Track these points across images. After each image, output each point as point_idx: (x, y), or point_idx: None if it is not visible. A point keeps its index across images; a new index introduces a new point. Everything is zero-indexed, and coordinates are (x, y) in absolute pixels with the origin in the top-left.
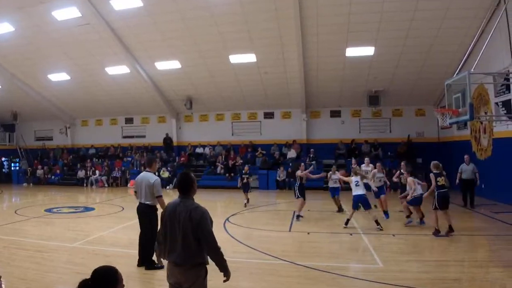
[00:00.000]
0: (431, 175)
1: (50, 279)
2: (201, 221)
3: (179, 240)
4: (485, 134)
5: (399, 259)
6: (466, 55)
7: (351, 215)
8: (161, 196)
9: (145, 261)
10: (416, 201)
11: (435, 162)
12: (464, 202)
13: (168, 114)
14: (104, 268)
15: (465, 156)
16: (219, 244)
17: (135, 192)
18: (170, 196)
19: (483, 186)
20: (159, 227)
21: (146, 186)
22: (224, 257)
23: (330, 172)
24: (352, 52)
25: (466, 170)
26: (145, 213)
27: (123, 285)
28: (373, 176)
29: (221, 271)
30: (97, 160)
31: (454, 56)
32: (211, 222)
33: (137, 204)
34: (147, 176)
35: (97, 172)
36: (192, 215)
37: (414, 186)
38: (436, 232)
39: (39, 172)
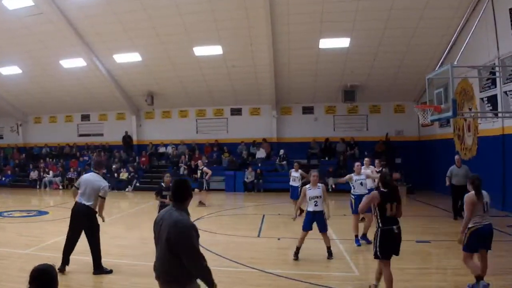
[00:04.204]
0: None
1: None
2: (179, 237)
3: (158, 251)
4: (469, 132)
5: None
6: (449, 47)
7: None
8: (104, 198)
9: (95, 266)
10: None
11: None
12: (455, 212)
13: (128, 111)
14: (42, 267)
15: (456, 157)
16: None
17: (76, 188)
18: (130, 198)
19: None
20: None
21: (91, 188)
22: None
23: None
24: (326, 43)
25: (457, 173)
26: (86, 215)
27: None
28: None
29: (207, 286)
30: (51, 160)
31: (436, 49)
32: (197, 236)
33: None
34: (96, 178)
35: (51, 173)
36: (171, 228)
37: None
38: None
39: None
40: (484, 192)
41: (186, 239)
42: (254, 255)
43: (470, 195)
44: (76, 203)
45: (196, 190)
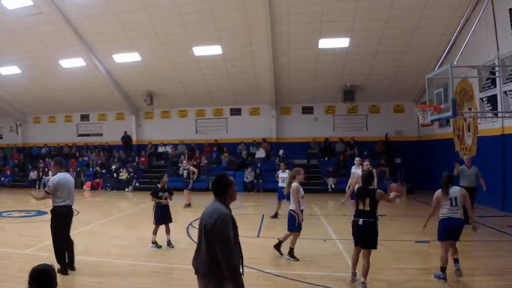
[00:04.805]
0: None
1: None
2: (215, 225)
3: (197, 244)
4: (469, 132)
5: (376, 267)
6: (449, 47)
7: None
8: None
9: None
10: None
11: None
12: (464, 216)
13: (127, 111)
14: (42, 267)
15: (465, 157)
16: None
17: (47, 193)
18: (129, 198)
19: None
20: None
21: (72, 186)
22: (240, 271)
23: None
24: (326, 43)
25: (468, 174)
26: (71, 215)
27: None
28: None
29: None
30: (50, 160)
31: (435, 48)
32: (235, 228)
33: (67, 207)
34: (71, 177)
35: (50, 173)
36: (207, 218)
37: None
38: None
39: None
40: (455, 189)
41: (221, 226)
42: (254, 255)
43: (438, 191)
44: (65, 206)
45: (186, 191)
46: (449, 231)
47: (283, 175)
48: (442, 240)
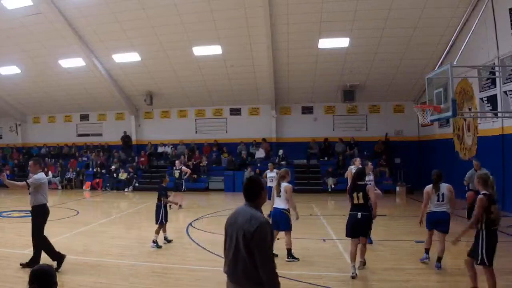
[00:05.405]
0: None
1: None
2: (256, 233)
3: (231, 253)
4: (469, 132)
5: (376, 267)
6: (449, 47)
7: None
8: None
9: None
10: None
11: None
12: (469, 214)
13: (127, 111)
14: (42, 267)
15: (474, 162)
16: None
17: (28, 186)
18: (129, 198)
19: (466, 188)
20: None
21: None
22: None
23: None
24: (325, 43)
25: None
26: None
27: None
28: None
29: None
30: (49, 160)
31: (435, 48)
32: (272, 237)
33: (48, 205)
34: None
35: (50, 173)
36: (246, 225)
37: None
38: None
39: None
40: (444, 185)
41: (261, 234)
42: None
43: (428, 186)
44: (46, 204)
45: (173, 193)
46: (433, 223)
47: (271, 174)
48: (428, 229)
